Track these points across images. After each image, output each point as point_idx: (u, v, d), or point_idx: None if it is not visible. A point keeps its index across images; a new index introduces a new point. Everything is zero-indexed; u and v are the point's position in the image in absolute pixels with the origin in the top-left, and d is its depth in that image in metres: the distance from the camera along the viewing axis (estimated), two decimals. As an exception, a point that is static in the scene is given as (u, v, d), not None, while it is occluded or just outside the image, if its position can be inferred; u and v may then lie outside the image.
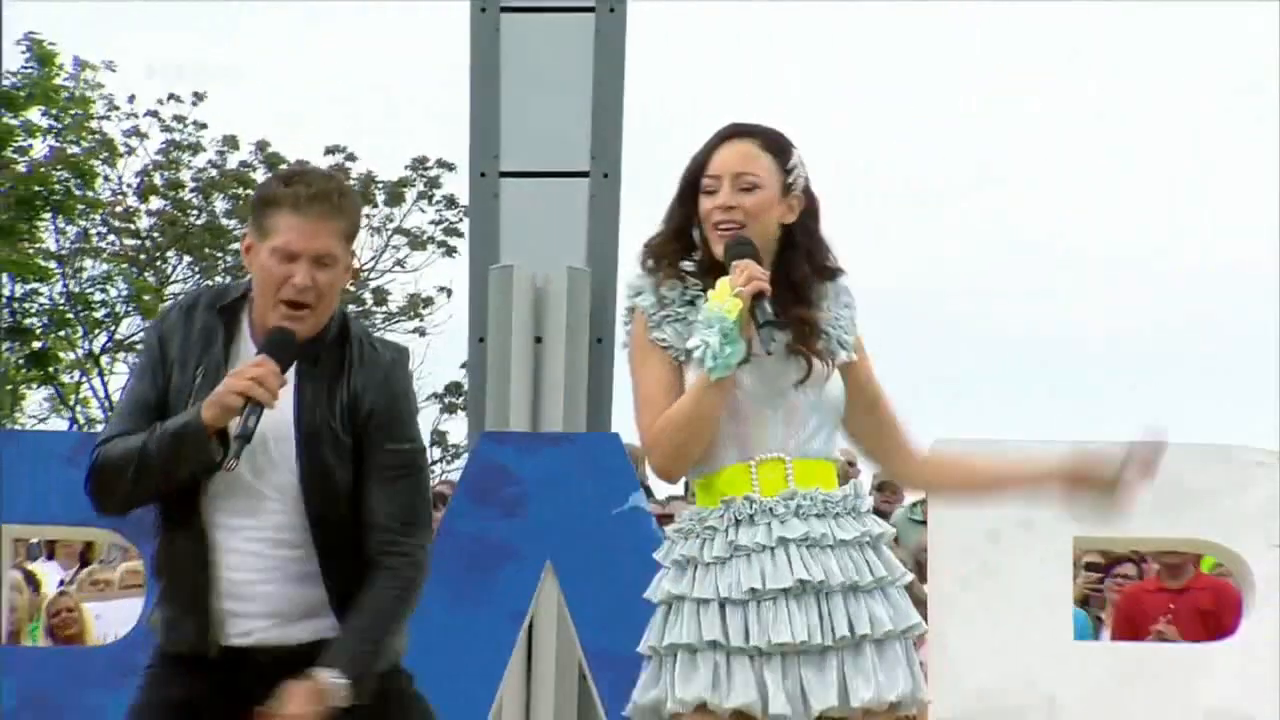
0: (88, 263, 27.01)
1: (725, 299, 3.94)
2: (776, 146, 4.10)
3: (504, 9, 9.00)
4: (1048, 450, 4.83)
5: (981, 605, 5.58)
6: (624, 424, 8.62)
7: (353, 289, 26.19)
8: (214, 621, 3.92)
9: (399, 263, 29.33)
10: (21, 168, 24.98)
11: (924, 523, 13.98)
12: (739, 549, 3.97)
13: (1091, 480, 4.30)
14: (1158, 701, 5.73)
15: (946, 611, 5.47)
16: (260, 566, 4.00)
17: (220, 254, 26.85)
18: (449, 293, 28.42)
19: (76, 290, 26.71)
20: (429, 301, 27.89)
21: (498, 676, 5.88)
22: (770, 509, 4.03)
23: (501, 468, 6.26)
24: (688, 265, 4.20)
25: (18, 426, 22.54)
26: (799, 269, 4.09)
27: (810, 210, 4.16)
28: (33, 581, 11.83)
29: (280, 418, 3.95)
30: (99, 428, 26.13)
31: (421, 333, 28.90)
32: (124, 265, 26.85)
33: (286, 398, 3.96)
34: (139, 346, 27.29)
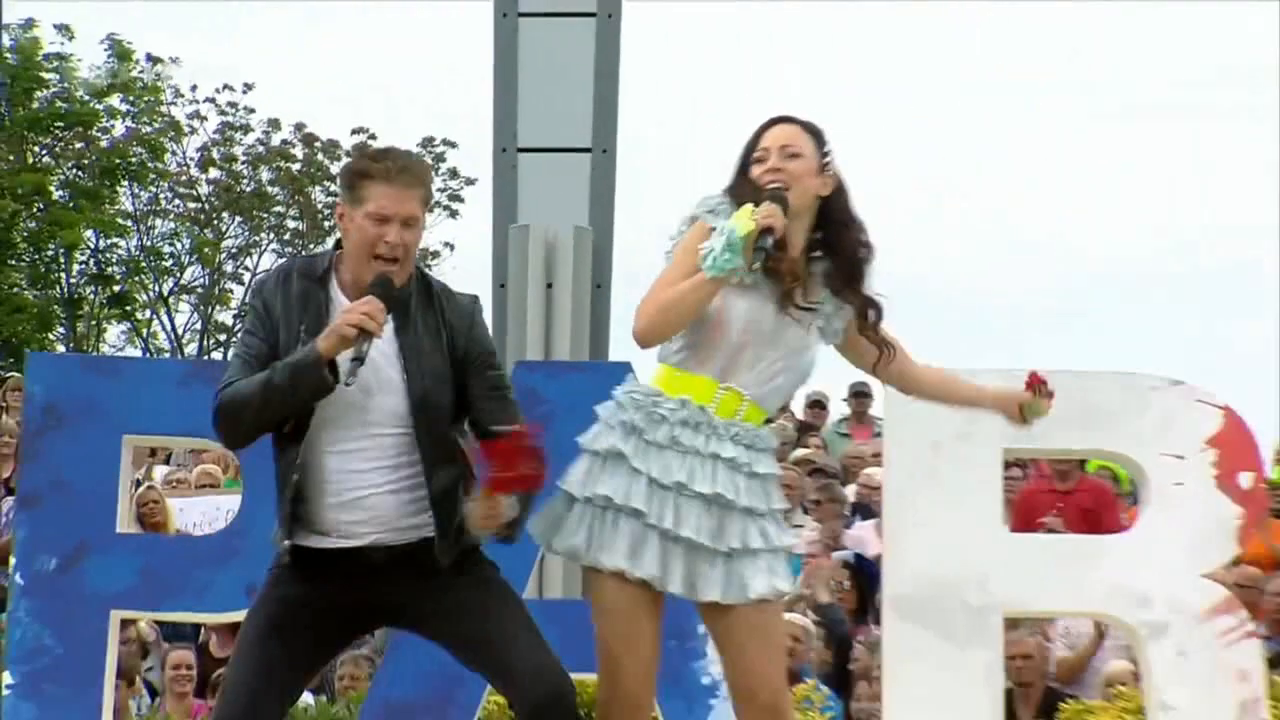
0: (157, 222, 27.24)
1: (743, 219, 3.96)
2: (815, 131, 4.17)
3: (521, 14, 9.40)
4: (989, 381, 4.87)
5: (927, 502, 5.50)
6: (620, 355, 9.12)
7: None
8: (329, 530, 4.00)
9: (410, 222, 28.89)
10: (104, 144, 25.38)
11: (849, 435, 14.19)
12: (679, 444, 4.02)
13: (1013, 406, 4.46)
14: (1070, 580, 5.71)
15: (898, 508, 5.44)
16: (368, 479, 4.05)
17: (265, 214, 26.94)
18: (452, 248, 28.25)
19: (149, 244, 27.01)
20: (436, 254, 27.49)
21: (535, 551, 5.57)
22: (716, 426, 4.09)
23: (532, 390, 6.04)
24: None
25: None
26: (844, 240, 4.15)
27: (841, 189, 4.19)
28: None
29: (387, 350, 4.00)
30: (165, 354, 27.24)
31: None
32: (187, 224, 27.09)
33: (389, 336, 4.01)
34: (199, 290, 28.07)
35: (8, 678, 5.28)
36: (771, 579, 4.06)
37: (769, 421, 4.35)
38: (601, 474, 4.04)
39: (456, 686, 5.32)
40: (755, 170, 4.09)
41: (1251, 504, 5.64)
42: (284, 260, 4.30)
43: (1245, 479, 5.54)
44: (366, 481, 4.07)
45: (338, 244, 4.26)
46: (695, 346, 4.11)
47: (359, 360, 3.91)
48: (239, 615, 5.72)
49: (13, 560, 5.65)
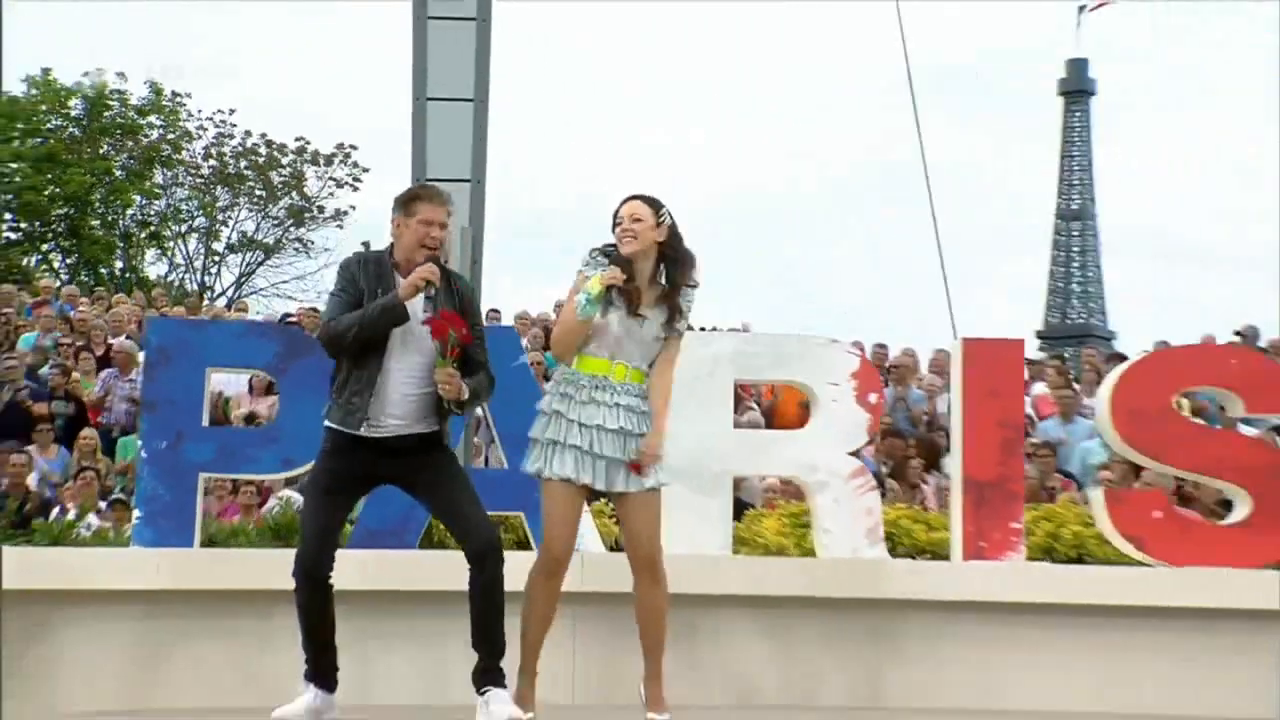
0: (177, 190, 27.94)
1: (595, 283, 4.34)
2: (651, 201, 4.39)
3: (430, 17, 8.26)
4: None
5: (693, 410, 5.46)
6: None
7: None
8: (374, 421, 4.28)
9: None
10: (145, 143, 26.35)
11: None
12: (594, 400, 4.41)
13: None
14: (771, 455, 6.03)
15: (677, 413, 4.92)
16: (406, 389, 4.32)
17: (241, 187, 27.76)
18: (354, 208, 28.59)
19: (172, 204, 28.13)
20: (345, 213, 28.42)
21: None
22: (614, 387, 4.44)
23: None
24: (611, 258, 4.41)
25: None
26: (670, 273, 4.46)
27: (674, 234, 4.44)
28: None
29: (427, 307, 4.30)
30: (181, 269, 28.18)
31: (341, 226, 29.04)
32: (196, 192, 27.63)
33: (425, 300, 4.31)
34: (200, 230, 28.75)
35: (137, 513, 5.44)
36: (656, 477, 4.46)
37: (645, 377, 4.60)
38: (550, 425, 4.39)
39: (410, 518, 5.39)
40: (616, 231, 4.44)
41: (874, 412, 5.94)
42: (360, 251, 4.98)
43: (872, 397, 5.86)
44: (407, 390, 4.33)
45: (390, 248, 4.48)
46: (593, 341, 4.44)
47: (434, 300, 4.29)
48: (276, 475, 6.09)
49: (139, 442, 5.78)
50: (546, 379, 6.49)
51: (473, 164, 7.81)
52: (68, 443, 9.92)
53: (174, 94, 26.41)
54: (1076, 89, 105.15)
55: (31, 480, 8.93)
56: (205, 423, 5.62)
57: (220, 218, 27.85)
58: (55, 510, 8.39)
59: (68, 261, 25.80)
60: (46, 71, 24.78)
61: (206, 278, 28.31)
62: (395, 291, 4.20)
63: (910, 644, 5.63)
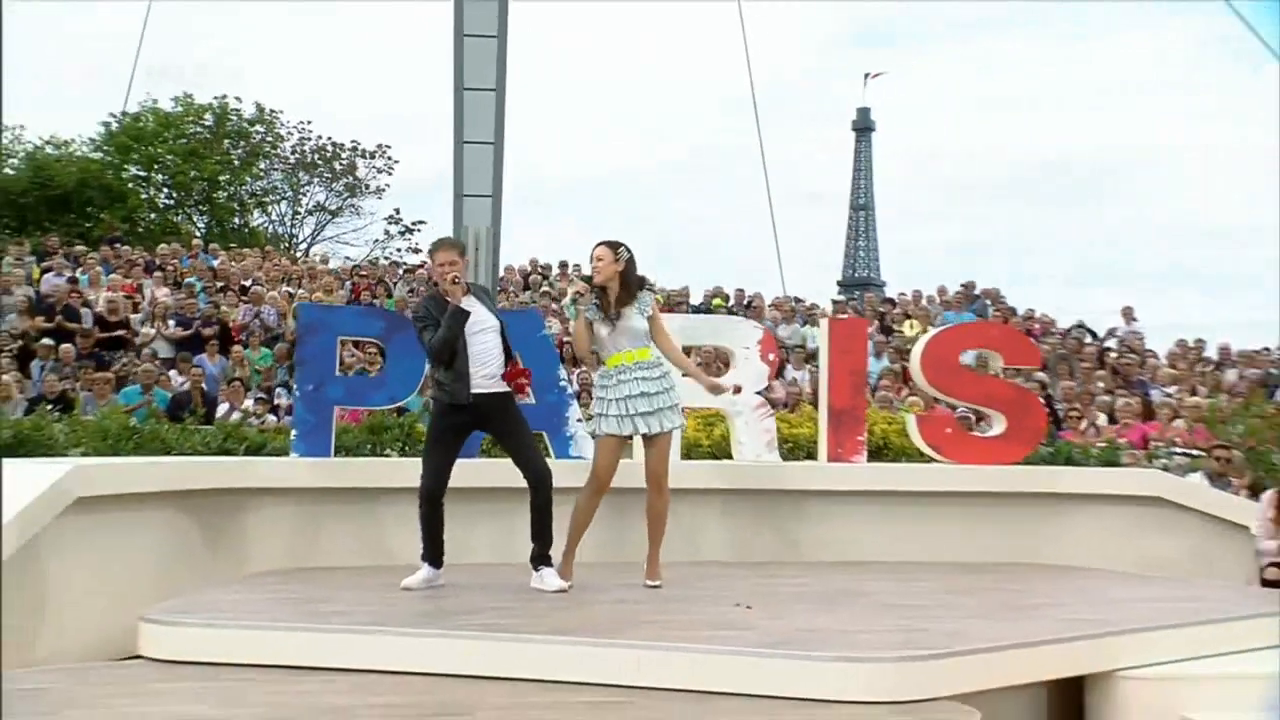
0: (274, 174, 27.32)
1: (569, 296, 4.53)
2: (613, 244, 4.38)
3: (466, 35, 8.74)
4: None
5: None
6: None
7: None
8: (471, 385, 4.24)
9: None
10: (253, 142, 25.81)
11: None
12: (620, 381, 4.36)
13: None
14: (706, 394, 5.09)
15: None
16: (486, 359, 4.27)
17: (315, 172, 27.08)
18: (389, 186, 28.85)
19: (270, 183, 27.08)
20: (384, 189, 28.05)
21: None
22: (629, 367, 4.36)
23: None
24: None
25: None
26: (626, 287, 4.37)
27: (630, 265, 4.39)
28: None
29: (480, 309, 4.28)
30: (267, 227, 27.09)
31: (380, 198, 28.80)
32: (285, 175, 27.19)
33: (475, 303, 4.28)
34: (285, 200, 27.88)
35: (294, 434, 5.32)
36: (673, 419, 4.38)
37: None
38: (597, 404, 4.34)
39: (471, 444, 4.94)
40: (590, 268, 4.46)
41: (771, 366, 5.95)
42: (424, 294, 5.09)
43: (770, 356, 5.85)
44: (487, 359, 4.28)
45: (432, 281, 4.43)
46: (602, 348, 4.43)
47: (472, 297, 4.26)
48: (385, 407, 5.85)
49: (294, 383, 5.77)
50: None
51: (495, 130, 8.57)
52: (224, 353, 10.21)
53: (270, 110, 26.50)
54: (863, 127, 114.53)
55: (204, 383, 9.12)
56: (338, 373, 5.63)
57: (301, 191, 27.85)
58: (222, 407, 8.53)
59: (203, 221, 25.80)
60: (189, 95, 25.44)
61: (293, 231, 28.33)
62: (451, 306, 4.21)
63: (803, 519, 5.72)
